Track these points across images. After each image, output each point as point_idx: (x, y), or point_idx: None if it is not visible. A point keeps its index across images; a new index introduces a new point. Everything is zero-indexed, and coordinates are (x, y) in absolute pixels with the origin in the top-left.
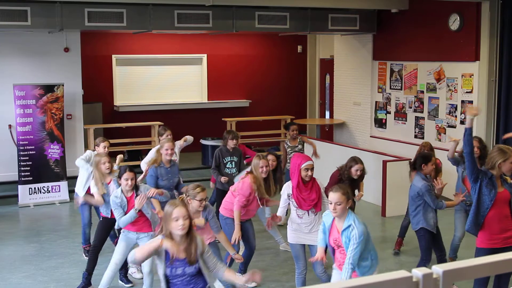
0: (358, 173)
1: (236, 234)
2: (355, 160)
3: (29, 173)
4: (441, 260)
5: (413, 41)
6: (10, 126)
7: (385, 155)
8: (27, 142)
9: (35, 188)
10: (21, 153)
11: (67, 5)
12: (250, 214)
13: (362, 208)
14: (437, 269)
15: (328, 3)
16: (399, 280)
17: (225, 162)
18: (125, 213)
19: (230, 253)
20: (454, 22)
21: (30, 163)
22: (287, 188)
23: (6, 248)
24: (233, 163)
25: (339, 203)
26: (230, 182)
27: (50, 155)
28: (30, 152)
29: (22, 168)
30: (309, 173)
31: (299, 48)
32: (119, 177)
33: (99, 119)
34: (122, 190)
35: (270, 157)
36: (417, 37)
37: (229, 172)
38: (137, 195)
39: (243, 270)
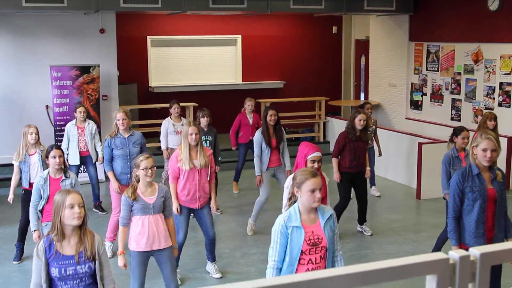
0: (362, 123)
1: (174, 205)
2: (358, 111)
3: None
4: None
5: (450, 21)
6: (47, 106)
7: (420, 137)
8: (63, 123)
9: None
10: (58, 133)
11: None
12: (202, 194)
13: (396, 190)
14: (475, 252)
15: None
16: (436, 262)
17: None
18: (47, 199)
19: (172, 243)
20: (493, 2)
21: None
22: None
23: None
24: (208, 142)
25: (320, 188)
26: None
27: None
28: None
29: None
30: (316, 165)
31: (334, 29)
32: (46, 156)
33: (134, 100)
34: (49, 171)
35: (270, 112)
36: (455, 18)
37: None
38: (65, 178)
39: (211, 257)
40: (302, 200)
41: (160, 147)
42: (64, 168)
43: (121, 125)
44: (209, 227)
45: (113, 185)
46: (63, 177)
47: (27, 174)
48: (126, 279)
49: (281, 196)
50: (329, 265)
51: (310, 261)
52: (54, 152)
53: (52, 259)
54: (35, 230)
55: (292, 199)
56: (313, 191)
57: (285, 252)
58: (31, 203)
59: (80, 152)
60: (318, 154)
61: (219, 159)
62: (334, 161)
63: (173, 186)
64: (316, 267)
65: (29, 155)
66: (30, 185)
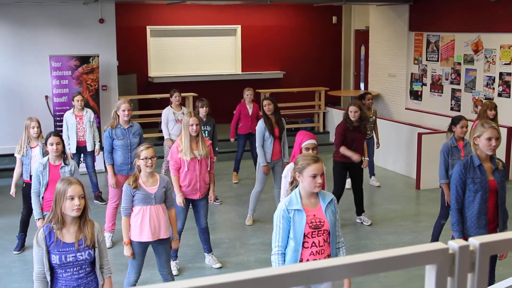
0: (353, 114)
1: (178, 199)
2: (351, 102)
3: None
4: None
5: (450, 11)
6: (46, 97)
7: (420, 127)
8: (63, 113)
9: None
10: (57, 123)
11: None
12: (202, 185)
13: (395, 180)
14: (474, 242)
15: None
16: (435, 252)
17: None
18: (46, 186)
19: (172, 234)
20: None
21: None
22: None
23: None
24: (206, 132)
25: (322, 173)
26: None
27: None
28: None
29: None
30: (311, 153)
31: (334, 19)
32: (45, 143)
33: (134, 90)
34: (48, 158)
35: (265, 102)
36: (455, 8)
37: None
38: (65, 164)
39: (207, 249)
40: (304, 185)
41: (160, 137)
42: (64, 155)
43: (125, 116)
44: (202, 217)
45: (110, 180)
46: (63, 164)
47: (28, 166)
48: (124, 269)
49: None
50: (333, 253)
51: (313, 244)
52: (52, 139)
53: (53, 247)
54: (39, 219)
55: (294, 183)
56: (314, 176)
57: (288, 237)
58: (32, 190)
59: (78, 141)
60: (313, 141)
61: (217, 149)
62: (343, 149)
63: (175, 179)
64: (319, 250)
65: (31, 148)
66: (31, 177)
